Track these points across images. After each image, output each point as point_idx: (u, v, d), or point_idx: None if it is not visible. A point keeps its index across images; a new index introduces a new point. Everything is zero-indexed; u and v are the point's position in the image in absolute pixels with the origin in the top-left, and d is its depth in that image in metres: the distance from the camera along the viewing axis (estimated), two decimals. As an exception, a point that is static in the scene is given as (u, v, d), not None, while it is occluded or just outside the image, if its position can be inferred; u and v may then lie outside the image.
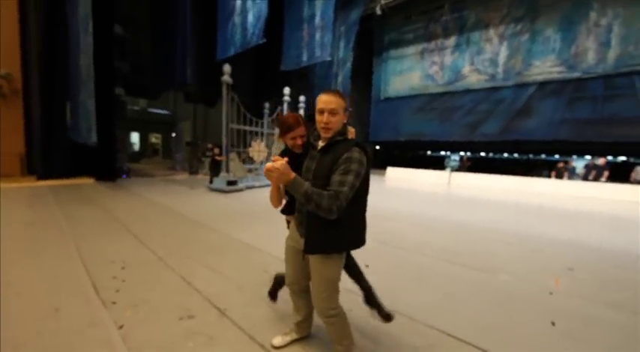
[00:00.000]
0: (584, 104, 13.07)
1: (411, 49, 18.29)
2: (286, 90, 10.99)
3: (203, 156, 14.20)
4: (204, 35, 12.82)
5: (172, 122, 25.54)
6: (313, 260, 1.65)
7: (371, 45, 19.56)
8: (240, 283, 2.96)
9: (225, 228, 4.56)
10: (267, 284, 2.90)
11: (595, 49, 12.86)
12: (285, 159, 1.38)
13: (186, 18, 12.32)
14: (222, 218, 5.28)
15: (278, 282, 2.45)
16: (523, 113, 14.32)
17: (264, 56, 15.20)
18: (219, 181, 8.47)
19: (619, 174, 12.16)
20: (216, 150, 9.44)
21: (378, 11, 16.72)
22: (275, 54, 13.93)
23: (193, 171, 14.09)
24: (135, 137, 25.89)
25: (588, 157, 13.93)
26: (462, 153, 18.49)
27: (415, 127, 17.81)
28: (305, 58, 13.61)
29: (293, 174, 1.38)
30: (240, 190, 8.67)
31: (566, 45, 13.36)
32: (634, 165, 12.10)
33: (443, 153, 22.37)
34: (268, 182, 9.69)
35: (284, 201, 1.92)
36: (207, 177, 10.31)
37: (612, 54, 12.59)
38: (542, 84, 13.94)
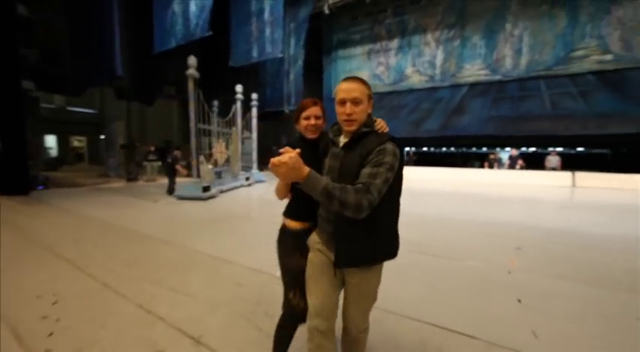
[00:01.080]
0: (505, 103, 15.08)
1: (359, 50, 18.93)
2: (239, 87, 10.40)
3: (145, 160, 12.64)
4: (137, 23, 11.36)
5: (100, 123, 22.27)
6: (351, 275, 1.34)
7: (320, 44, 19.71)
8: (212, 302, 2.62)
9: (186, 241, 4.06)
10: (245, 300, 2.62)
11: (511, 56, 14.91)
12: (297, 150, 1.12)
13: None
14: (181, 229, 4.71)
15: (292, 318, 1.54)
16: (458, 111, 15.95)
17: (210, 51, 14.14)
18: (192, 188, 7.58)
19: (535, 163, 14.32)
20: (177, 153, 8.44)
21: (326, 10, 16.90)
22: (223, 49, 13.07)
23: (132, 177, 12.46)
24: (51, 141, 21.97)
25: (508, 149, 16.18)
26: (407, 149, 19.89)
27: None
28: (255, 53, 13.06)
29: (307, 170, 1.11)
30: (214, 197, 7.92)
31: (490, 51, 15.23)
32: (546, 154, 14.39)
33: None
34: (234, 184, 8.94)
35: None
36: (150, 184, 9.21)
37: (524, 60, 14.74)
38: (472, 85, 15.70)
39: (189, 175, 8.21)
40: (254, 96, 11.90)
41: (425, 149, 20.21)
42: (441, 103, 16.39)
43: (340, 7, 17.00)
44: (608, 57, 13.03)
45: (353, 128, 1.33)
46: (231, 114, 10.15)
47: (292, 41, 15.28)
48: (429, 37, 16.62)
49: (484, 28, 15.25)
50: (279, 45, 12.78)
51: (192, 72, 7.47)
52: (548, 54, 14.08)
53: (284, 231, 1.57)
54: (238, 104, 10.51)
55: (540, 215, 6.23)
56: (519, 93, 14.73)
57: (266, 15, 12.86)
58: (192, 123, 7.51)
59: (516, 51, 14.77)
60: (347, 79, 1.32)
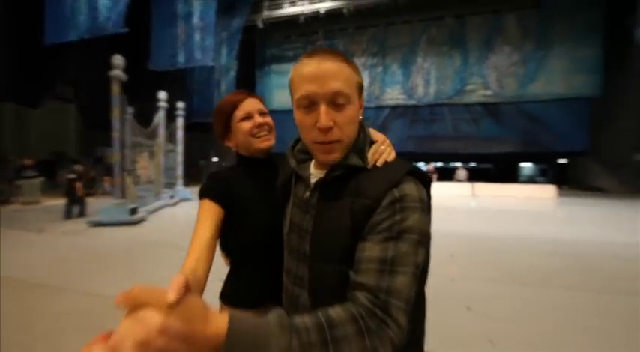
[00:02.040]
0: (420, 124, 17.53)
1: (292, 66, 19.33)
2: (162, 94, 9.19)
3: (18, 179, 9.70)
4: (18, 6, 9.05)
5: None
6: None
7: (253, 57, 19.40)
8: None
9: (92, 285, 3.13)
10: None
11: (422, 85, 17.49)
12: (179, 284, 0.35)
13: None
14: (86, 268, 3.64)
15: None
16: (382, 130, 16.94)
17: (123, 50, 12.25)
18: (115, 211, 5.97)
19: (447, 176, 16.89)
20: (79, 168, 6.72)
21: (260, 24, 16.83)
22: (141, 49, 11.48)
23: (2, 199, 9.45)
24: None
25: (423, 164, 18.68)
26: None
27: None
28: (182, 59, 11.92)
29: (212, 328, 0.35)
30: (143, 220, 6.47)
31: (406, 79, 17.55)
32: (454, 169, 17.12)
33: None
34: (158, 204, 7.56)
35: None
36: (29, 207, 7.14)
37: (432, 89, 17.45)
38: (393, 107, 17.75)
39: (84, 195, 6.70)
40: (180, 105, 10.72)
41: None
42: (368, 122, 17.49)
43: (274, 23, 17.19)
44: (489, 92, 16.57)
45: (333, 156, 0.59)
46: (154, 124, 8.83)
47: (224, 51, 14.57)
48: (357, 61, 18.20)
49: (401, 59, 17.55)
50: (210, 53, 11.97)
51: (117, 73, 6.20)
52: (449, 86, 17.07)
53: None
54: (161, 113, 9.25)
55: (458, 221, 7.16)
56: (430, 116, 17.35)
57: (195, 19, 11.97)
58: (115, 134, 6.19)
59: (426, 81, 17.45)
60: (314, 52, 0.59)
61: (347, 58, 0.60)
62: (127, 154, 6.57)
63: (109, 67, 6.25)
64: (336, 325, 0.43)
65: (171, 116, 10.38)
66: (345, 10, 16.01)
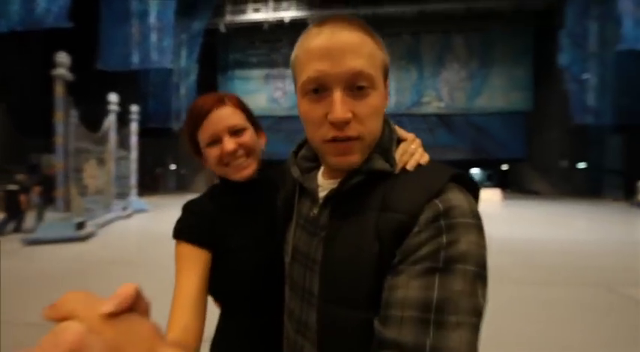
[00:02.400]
0: None
1: (256, 73, 19.13)
2: (113, 96, 8.43)
3: None
4: None
5: None
6: None
7: (215, 61, 18.80)
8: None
9: (28, 314, 2.71)
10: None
11: (383, 95, 18.50)
12: (125, 296, 0.21)
13: None
14: (22, 295, 3.13)
15: None
16: None
17: (64, 46, 11.04)
18: (58, 226, 5.13)
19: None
20: (22, 177, 5.74)
21: (222, 29, 16.43)
22: (88, 48, 10.48)
23: None
24: None
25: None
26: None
27: (265, 146, 18.60)
28: (136, 59, 11.13)
29: None
30: (92, 235, 5.67)
31: (368, 89, 18.39)
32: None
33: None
34: (108, 217, 6.68)
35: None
36: None
37: (393, 100, 18.44)
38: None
39: (26, 209, 5.81)
40: (134, 108, 9.91)
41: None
42: None
43: (237, 28, 16.90)
44: (442, 104, 18.06)
45: (351, 160, 0.43)
46: (104, 129, 8.03)
47: (184, 53, 13.91)
48: (321, 71, 18.64)
49: (363, 71, 18.35)
50: (168, 55, 11.36)
51: (62, 72, 5.50)
52: (408, 97, 18.24)
53: None
54: (112, 117, 8.46)
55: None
56: (391, 125, 18.32)
57: (152, 19, 11.30)
58: (59, 139, 5.46)
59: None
60: (328, 20, 0.43)
61: (370, 28, 0.44)
62: (71, 162, 5.87)
63: (50, 64, 5.59)
64: None
65: (123, 120, 9.55)
66: (309, 20, 16.32)
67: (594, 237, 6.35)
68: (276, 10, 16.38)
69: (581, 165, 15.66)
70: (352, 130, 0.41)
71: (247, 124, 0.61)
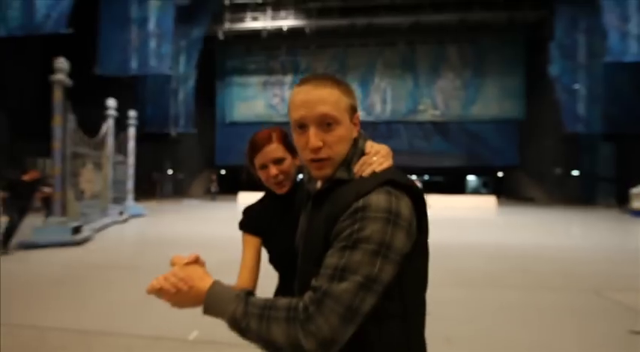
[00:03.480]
0: (378, 140, 17.59)
1: (254, 79, 19.32)
2: (111, 101, 8.48)
3: None
4: None
5: None
6: None
7: (213, 67, 18.98)
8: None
9: (30, 317, 2.70)
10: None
11: (380, 103, 18.70)
12: (192, 257, 0.62)
13: None
14: (21, 298, 3.11)
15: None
16: None
17: (64, 52, 11.10)
18: (55, 230, 5.11)
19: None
20: (28, 177, 5.02)
21: (221, 36, 16.65)
22: (86, 53, 10.56)
23: None
24: None
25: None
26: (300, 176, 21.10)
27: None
28: (135, 65, 11.22)
29: (204, 284, 0.57)
30: (89, 239, 5.62)
31: (365, 97, 18.59)
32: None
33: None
34: (105, 222, 6.59)
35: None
36: None
37: (388, 108, 18.73)
38: (354, 123, 18.62)
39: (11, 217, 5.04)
40: (132, 113, 9.95)
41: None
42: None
43: (235, 35, 17.14)
44: (438, 112, 18.37)
45: (324, 172, 0.63)
46: (101, 134, 8.04)
47: (182, 60, 14.05)
48: (318, 78, 18.90)
49: (360, 78, 18.64)
50: (167, 61, 11.47)
51: (61, 77, 5.57)
52: (403, 105, 18.53)
53: None
54: (110, 122, 8.49)
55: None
56: (387, 133, 18.51)
57: (151, 26, 11.44)
58: (57, 144, 5.49)
59: (383, 100, 18.72)
60: (305, 80, 0.63)
61: (338, 81, 0.62)
62: (68, 166, 5.86)
63: (49, 69, 5.65)
64: (275, 308, 0.53)
65: (121, 125, 9.57)
66: (307, 30, 16.63)
67: (586, 244, 6.46)
68: (274, 18, 16.66)
69: (575, 172, 15.94)
70: (323, 153, 0.60)
71: (287, 155, 0.86)
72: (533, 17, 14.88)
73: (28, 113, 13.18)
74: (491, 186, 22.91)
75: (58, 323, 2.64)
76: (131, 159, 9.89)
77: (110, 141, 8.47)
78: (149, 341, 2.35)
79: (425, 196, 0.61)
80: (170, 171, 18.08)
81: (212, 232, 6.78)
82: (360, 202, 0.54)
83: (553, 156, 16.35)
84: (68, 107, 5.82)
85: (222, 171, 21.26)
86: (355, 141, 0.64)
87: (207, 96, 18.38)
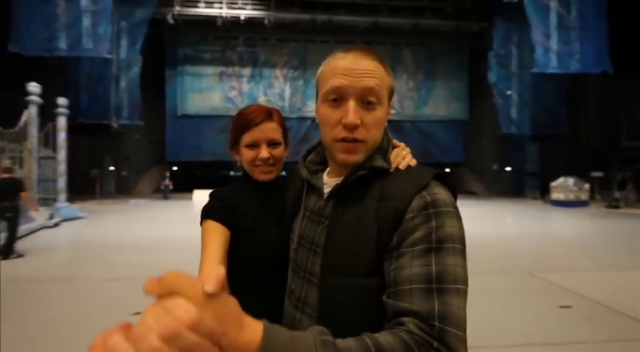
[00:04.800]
0: None
1: (210, 70, 18.16)
2: (33, 86, 7.22)
3: None
4: None
5: None
6: None
7: (162, 54, 17.35)
8: None
9: None
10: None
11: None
12: (216, 275, 0.25)
13: None
14: None
15: None
16: (304, 140, 18.31)
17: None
18: None
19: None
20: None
21: (170, 20, 15.24)
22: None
23: None
24: None
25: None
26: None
27: (219, 147, 17.64)
28: (63, 45, 9.73)
29: (248, 335, 0.28)
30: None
31: (325, 93, 18.77)
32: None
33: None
34: (29, 226, 5.64)
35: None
36: None
37: (348, 105, 19.17)
38: (314, 119, 18.60)
39: None
40: (62, 101, 8.60)
41: (284, 173, 21.68)
42: (292, 132, 18.26)
43: (187, 21, 15.83)
44: (393, 111, 19.01)
45: (355, 158, 0.53)
46: (21, 124, 6.79)
47: (124, 43, 12.58)
48: (278, 72, 18.43)
49: (320, 75, 18.68)
50: (105, 43, 10.16)
51: None
52: (362, 103, 19.10)
53: None
54: (33, 109, 7.22)
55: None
56: (346, 129, 18.93)
57: (83, 1, 9.99)
58: None
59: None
60: (352, 48, 0.55)
61: (383, 59, 0.55)
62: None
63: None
64: (385, 350, 0.36)
65: (49, 115, 8.22)
66: (266, 21, 16.09)
67: (517, 231, 7.38)
68: (230, 7, 15.77)
69: (508, 168, 18.14)
70: (359, 134, 0.51)
71: (282, 140, 0.76)
72: (477, 27, 16.38)
73: None
74: (440, 181, 24.93)
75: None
76: (62, 154, 8.59)
77: (33, 132, 7.24)
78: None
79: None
80: (112, 168, 16.18)
81: (164, 234, 6.23)
82: (427, 196, 0.47)
83: (491, 153, 18.37)
84: None
85: (174, 168, 19.71)
86: (385, 130, 0.58)
87: (155, 85, 16.77)
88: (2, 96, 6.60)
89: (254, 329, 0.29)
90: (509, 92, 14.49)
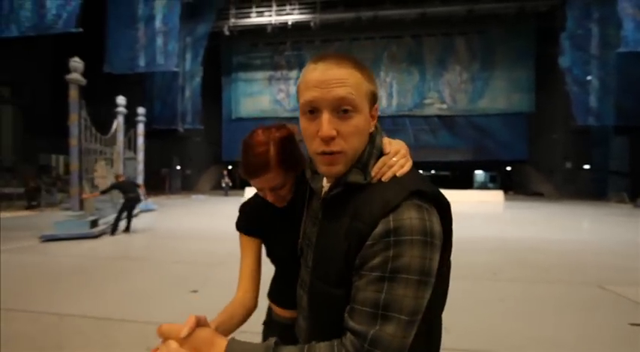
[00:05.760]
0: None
1: (260, 75, 19.35)
2: (120, 99, 8.67)
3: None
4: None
5: None
6: None
7: (219, 63, 19.07)
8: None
9: (47, 304, 2.88)
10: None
11: (385, 97, 18.51)
12: (191, 322, 0.47)
13: None
14: (37, 287, 3.31)
15: None
16: None
17: (71, 49, 11.33)
18: (74, 224, 5.52)
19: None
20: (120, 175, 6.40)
21: (226, 31, 16.68)
22: (95, 52, 10.75)
23: None
24: None
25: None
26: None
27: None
28: (142, 63, 11.39)
29: (220, 350, 0.47)
30: (105, 233, 5.97)
31: (370, 91, 18.51)
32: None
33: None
34: (116, 216, 6.90)
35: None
36: None
37: (394, 102, 18.55)
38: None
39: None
40: (140, 110, 10.16)
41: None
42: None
43: (240, 31, 17.15)
44: (444, 106, 18.13)
45: (335, 169, 0.54)
46: (112, 131, 8.26)
47: (189, 56, 14.18)
48: (324, 73, 18.80)
49: (365, 73, 18.49)
50: (173, 58, 11.61)
51: (76, 77, 5.85)
52: (410, 99, 18.34)
53: (271, 318, 0.92)
54: (120, 119, 8.70)
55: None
56: (392, 127, 18.35)
57: (157, 23, 11.56)
58: (73, 141, 5.82)
59: (389, 94, 18.54)
60: (322, 57, 0.53)
61: (360, 63, 0.52)
62: (84, 162, 6.14)
63: (60, 68, 5.86)
64: None
65: (130, 122, 9.80)
66: (312, 24, 16.52)
67: (593, 238, 6.41)
68: (279, 13, 16.60)
69: (586, 166, 15.61)
70: (336, 146, 0.50)
71: (288, 178, 0.70)
72: (544, 6, 14.46)
73: (40, 111, 13.54)
74: (500, 181, 22.62)
75: (75, 310, 2.81)
76: (140, 156, 10.14)
77: (120, 138, 8.70)
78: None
79: (451, 209, 0.53)
80: (178, 167, 18.41)
81: (220, 226, 6.95)
82: (391, 222, 0.46)
83: (563, 150, 16.03)
84: (83, 105, 6.04)
85: (229, 167, 21.54)
86: (372, 137, 0.55)
87: (213, 92, 18.53)
88: (97, 109, 8.12)
89: (221, 345, 0.46)
90: (588, 77, 12.46)
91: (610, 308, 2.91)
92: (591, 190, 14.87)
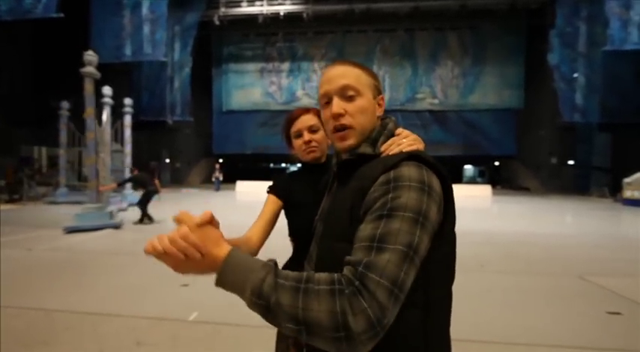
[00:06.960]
0: None
1: (251, 66, 19.00)
2: (107, 89, 8.38)
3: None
4: None
5: None
6: None
7: (209, 54, 18.60)
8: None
9: (34, 299, 2.81)
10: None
11: (378, 91, 18.56)
12: (207, 215, 0.49)
13: None
14: (24, 282, 3.22)
15: None
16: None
17: (54, 37, 10.83)
18: (96, 215, 5.67)
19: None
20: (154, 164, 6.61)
21: (216, 21, 16.25)
22: (78, 38, 10.31)
23: None
24: None
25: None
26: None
27: (260, 141, 18.49)
28: (128, 52, 11.02)
29: (220, 251, 0.48)
30: (122, 224, 6.09)
31: (363, 85, 18.45)
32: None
33: (284, 165, 24.65)
34: (112, 209, 6.83)
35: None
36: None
37: (386, 96, 18.47)
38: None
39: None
40: (127, 101, 9.86)
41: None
42: None
43: (231, 21, 16.73)
44: (436, 101, 18.25)
45: (348, 143, 0.62)
46: (104, 123, 7.99)
47: (177, 46, 13.78)
48: (316, 65, 18.56)
49: (358, 66, 18.39)
50: (161, 47, 11.26)
51: (91, 70, 5.69)
52: (401, 93, 18.38)
53: None
54: (107, 110, 8.43)
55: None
56: (384, 121, 18.42)
57: (144, 11, 11.16)
58: (90, 135, 5.80)
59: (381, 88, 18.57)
60: (332, 63, 0.66)
61: (361, 64, 0.66)
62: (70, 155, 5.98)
63: (43, 55, 5.60)
64: (313, 280, 0.45)
65: (116, 113, 9.50)
66: (304, 15, 16.25)
67: (575, 231, 6.65)
68: (270, 3, 16.24)
69: (570, 162, 16.07)
70: (345, 120, 0.62)
71: (321, 127, 0.92)
72: (535, 3, 14.61)
73: (20, 99, 12.99)
74: (488, 176, 23.08)
75: (60, 305, 2.76)
76: (128, 148, 9.89)
77: (107, 130, 8.44)
78: (152, 321, 2.47)
79: (450, 181, 0.57)
80: (167, 160, 18.05)
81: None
82: (391, 173, 0.53)
83: (549, 146, 16.44)
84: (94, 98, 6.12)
85: (220, 160, 21.26)
86: (383, 122, 0.66)
87: (203, 83, 18.12)
88: (81, 99, 7.81)
89: (225, 248, 0.48)
90: (575, 75, 12.72)
91: (590, 297, 3.04)
92: (575, 185, 15.35)
